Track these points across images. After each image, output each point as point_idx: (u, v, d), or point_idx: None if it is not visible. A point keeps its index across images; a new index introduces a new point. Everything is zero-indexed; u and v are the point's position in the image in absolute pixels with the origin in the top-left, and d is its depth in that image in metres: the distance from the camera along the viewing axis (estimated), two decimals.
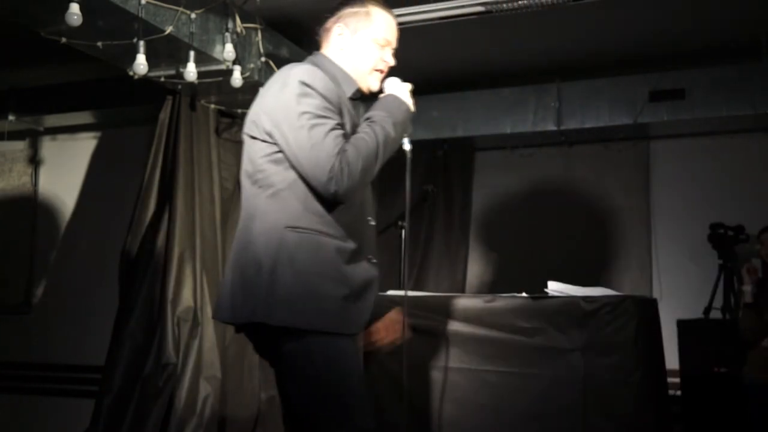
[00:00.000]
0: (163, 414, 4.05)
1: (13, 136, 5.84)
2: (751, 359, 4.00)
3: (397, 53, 2.26)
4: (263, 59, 4.12)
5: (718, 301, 4.50)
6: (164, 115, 4.42)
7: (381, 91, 2.23)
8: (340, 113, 2.05)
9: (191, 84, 3.83)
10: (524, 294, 3.08)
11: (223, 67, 3.85)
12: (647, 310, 3.02)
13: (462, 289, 5.34)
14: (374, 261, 2.15)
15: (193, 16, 3.61)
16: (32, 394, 5.67)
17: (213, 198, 4.52)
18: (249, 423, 4.44)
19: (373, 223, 2.20)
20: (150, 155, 4.42)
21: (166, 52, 3.71)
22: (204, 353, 4.20)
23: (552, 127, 5.02)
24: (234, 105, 4.49)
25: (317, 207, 2.01)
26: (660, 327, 3.13)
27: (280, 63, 3.60)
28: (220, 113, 4.64)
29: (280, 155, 2.02)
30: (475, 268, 5.54)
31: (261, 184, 2.04)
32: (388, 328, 2.40)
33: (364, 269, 2.09)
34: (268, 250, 1.98)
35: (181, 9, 3.53)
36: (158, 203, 4.37)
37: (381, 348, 2.42)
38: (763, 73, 4.52)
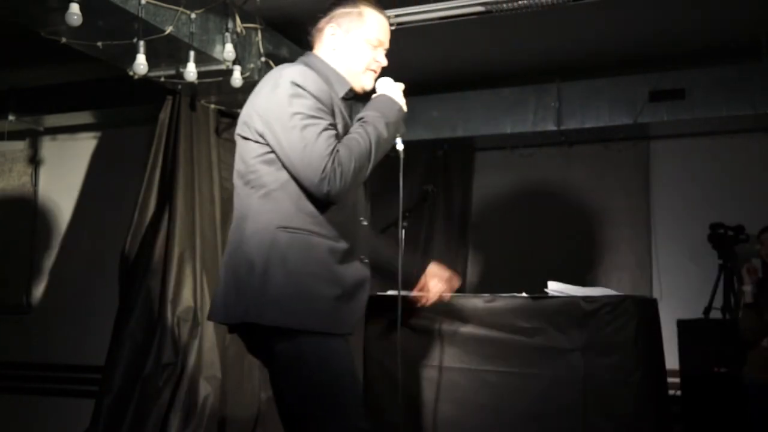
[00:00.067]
0: (163, 414, 4.05)
1: (13, 136, 5.84)
2: (751, 359, 4.00)
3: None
4: (263, 59, 4.12)
5: (718, 301, 4.51)
6: (164, 115, 4.42)
7: (374, 91, 2.23)
8: (332, 114, 2.05)
9: (191, 84, 3.83)
10: (524, 294, 3.07)
11: (223, 67, 3.85)
12: (647, 310, 3.02)
13: (462, 289, 5.34)
14: (366, 261, 2.15)
15: (193, 16, 3.60)
16: (32, 394, 5.67)
17: (213, 198, 4.52)
18: (249, 423, 4.44)
19: (365, 223, 2.21)
20: (150, 155, 4.42)
21: (166, 52, 3.71)
22: (204, 353, 4.20)
23: (552, 127, 5.02)
24: (234, 105, 4.49)
25: (309, 207, 2.01)
26: (660, 327, 3.12)
27: (280, 63, 3.58)
28: (220, 113, 4.64)
29: (272, 156, 2.02)
30: (475, 268, 5.54)
31: (253, 185, 2.05)
32: (435, 281, 2.56)
33: (357, 269, 2.10)
34: (260, 250, 1.98)
35: (181, 9, 3.53)
36: (158, 203, 4.36)
37: (426, 304, 2.62)
38: (763, 73, 4.52)
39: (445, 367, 3.06)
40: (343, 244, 2.05)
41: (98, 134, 5.89)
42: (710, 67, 4.70)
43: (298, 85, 2.00)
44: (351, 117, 2.17)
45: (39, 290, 5.88)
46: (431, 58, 4.75)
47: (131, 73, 3.56)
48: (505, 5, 3.75)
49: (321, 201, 1.99)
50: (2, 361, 5.76)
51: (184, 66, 3.72)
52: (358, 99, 2.29)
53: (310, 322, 1.96)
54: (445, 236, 5.49)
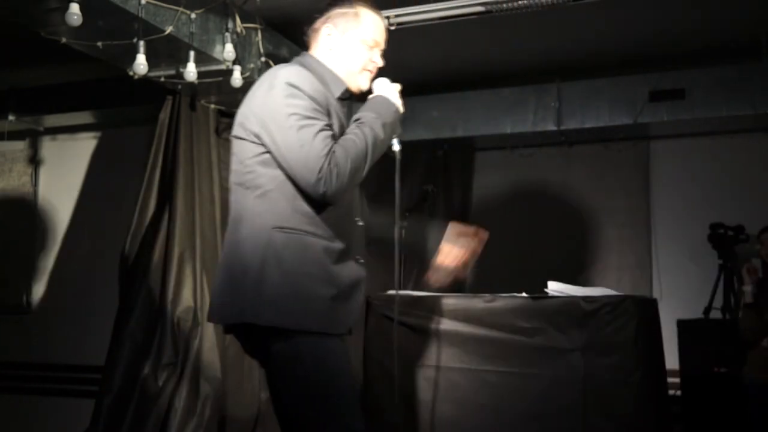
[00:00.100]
0: (163, 414, 4.05)
1: (13, 136, 5.83)
2: (751, 359, 4.00)
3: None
4: (263, 59, 4.12)
5: (718, 301, 4.51)
6: (164, 115, 4.42)
7: (370, 91, 2.23)
8: (328, 114, 2.05)
9: (191, 84, 3.83)
10: (524, 294, 3.08)
11: (223, 67, 3.85)
12: (647, 310, 3.02)
13: (462, 289, 5.34)
14: (362, 261, 2.15)
15: (193, 16, 3.60)
16: (32, 394, 5.67)
17: (213, 198, 4.52)
18: (249, 423, 4.43)
19: (361, 223, 2.21)
20: (150, 155, 4.42)
21: (166, 52, 3.71)
22: (204, 353, 4.20)
23: (552, 127, 5.02)
24: (234, 105, 4.43)
25: (305, 208, 2.01)
26: (660, 327, 3.13)
27: (280, 63, 3.60)
28: (220, 113, 4.64)
29: (267, 156, 2.02)
30: (475, 268, 5.53)
31: (249, 185, 2.05)
32: (462, 239, 2.53)
33: (352, 269, 2.10)
34: (256, 250, 1.98)
35: (181, 9, 3.53)
36: (158, 203, 4.36)
37: (455, 271, 2.59)
38: (763, 73, 4.52)
39: (445, 367, 3.06)
40: (338, 244, 2.05)
41: (98, 134, 5.89)
42: (710, 67, 4.70)
43: (294, 86, 2.00)
44: (348, 117, 2.17)
45: (39, 290, 5.88)
46: (431, 58, 4.75)
47: (131, 73, 3.55)
48: (505, 5, 3.75)
49: (317, 201, 1.99)
50: (2, 361, 5.75)
51: (184, 66, 3.72)
52: (355, 99, 2.29)
53: (306, 322, 1.96)
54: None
